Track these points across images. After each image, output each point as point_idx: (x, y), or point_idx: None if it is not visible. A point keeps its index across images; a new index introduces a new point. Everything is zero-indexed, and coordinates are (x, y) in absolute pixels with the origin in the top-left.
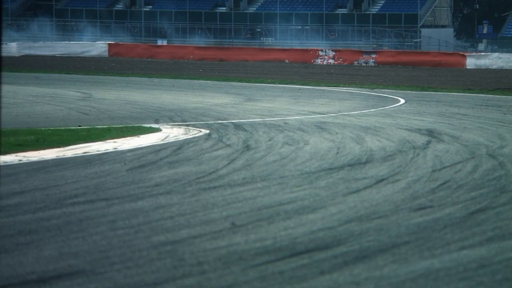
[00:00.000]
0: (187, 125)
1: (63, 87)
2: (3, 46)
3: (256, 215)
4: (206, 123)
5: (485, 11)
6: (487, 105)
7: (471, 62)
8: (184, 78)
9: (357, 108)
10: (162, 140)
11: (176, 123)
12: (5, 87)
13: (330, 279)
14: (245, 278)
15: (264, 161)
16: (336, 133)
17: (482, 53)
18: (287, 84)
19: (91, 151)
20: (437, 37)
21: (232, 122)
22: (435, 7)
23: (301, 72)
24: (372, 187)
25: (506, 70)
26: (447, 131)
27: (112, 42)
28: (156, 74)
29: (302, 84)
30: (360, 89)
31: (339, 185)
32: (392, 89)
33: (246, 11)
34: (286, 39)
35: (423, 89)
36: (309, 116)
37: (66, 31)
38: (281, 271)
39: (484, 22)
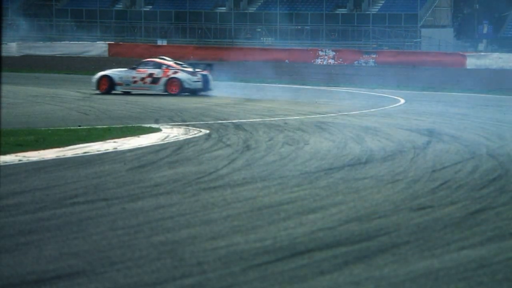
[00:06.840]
0: (187, 125)
1: (63, 87)
2: (3, 46)
3: (256, 215)
4: (206, 123)
5: (485, 11)
6: (487, 105)
7: (471, 62)
8: None
9: (357, 108)
10: (162, 140)
11: (176, 123)
12: (5, 87)
13: (330, 279)
14: (245, 278)
15: (264, 161)
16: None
17: (482, 53)
18: (287, 84)
19: (91, 151)
20: (437, 37)
21: (232, 122)
22: (435, 7)
23: (301, 72)
24: (372, 187)
25: (506, 70)
26: (447, 131)
27: (112, 42)
28: None
29: (302, 84)
30: (360, 89)
31: (339, 185)
32: (392, 89)
33: (246, 11)
34: (286, 39)
35: (423, 89)
36: (309, 116)
37: (66, 31)
38: (281, 271)
39: (484, 22)
